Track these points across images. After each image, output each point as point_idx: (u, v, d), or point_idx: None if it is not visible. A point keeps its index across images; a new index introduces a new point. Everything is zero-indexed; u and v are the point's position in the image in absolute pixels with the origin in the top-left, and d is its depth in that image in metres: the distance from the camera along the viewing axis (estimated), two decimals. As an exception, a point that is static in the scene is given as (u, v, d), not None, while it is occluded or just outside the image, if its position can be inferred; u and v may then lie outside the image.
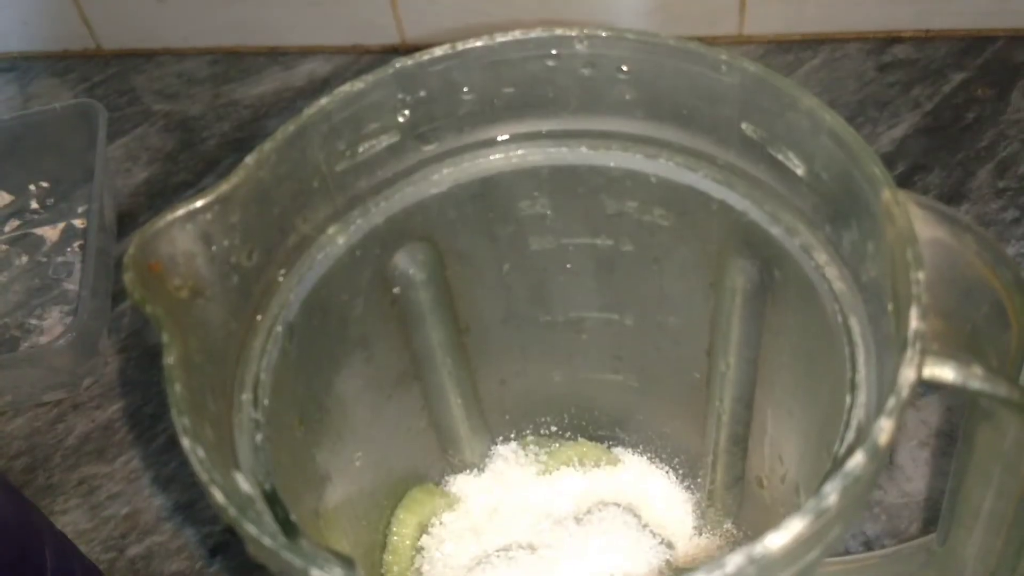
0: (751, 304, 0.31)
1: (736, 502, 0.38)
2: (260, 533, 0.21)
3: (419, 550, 0.38)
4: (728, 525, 0.39)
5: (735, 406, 0.35)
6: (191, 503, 0.44)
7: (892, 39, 0.59)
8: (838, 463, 0.21)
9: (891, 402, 0.20)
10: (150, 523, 0.44)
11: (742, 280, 0.31)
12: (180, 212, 0.25)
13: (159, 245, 0.25)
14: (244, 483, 0.24)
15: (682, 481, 0.41)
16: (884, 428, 0.20)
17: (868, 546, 0.39)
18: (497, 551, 0.37)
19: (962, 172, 0.52)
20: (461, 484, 0.41)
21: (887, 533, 0.40)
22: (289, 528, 0.24)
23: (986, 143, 0.53)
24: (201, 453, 0.22)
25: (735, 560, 0.19)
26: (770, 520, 0.31)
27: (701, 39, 0.60)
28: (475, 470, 0.41)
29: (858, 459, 0.20)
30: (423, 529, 0.39)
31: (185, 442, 0.22)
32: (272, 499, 0.24)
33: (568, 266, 0.35)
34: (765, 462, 0.35)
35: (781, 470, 0.34)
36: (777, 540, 0.19)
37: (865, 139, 0.56)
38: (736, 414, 0.35)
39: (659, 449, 0.41)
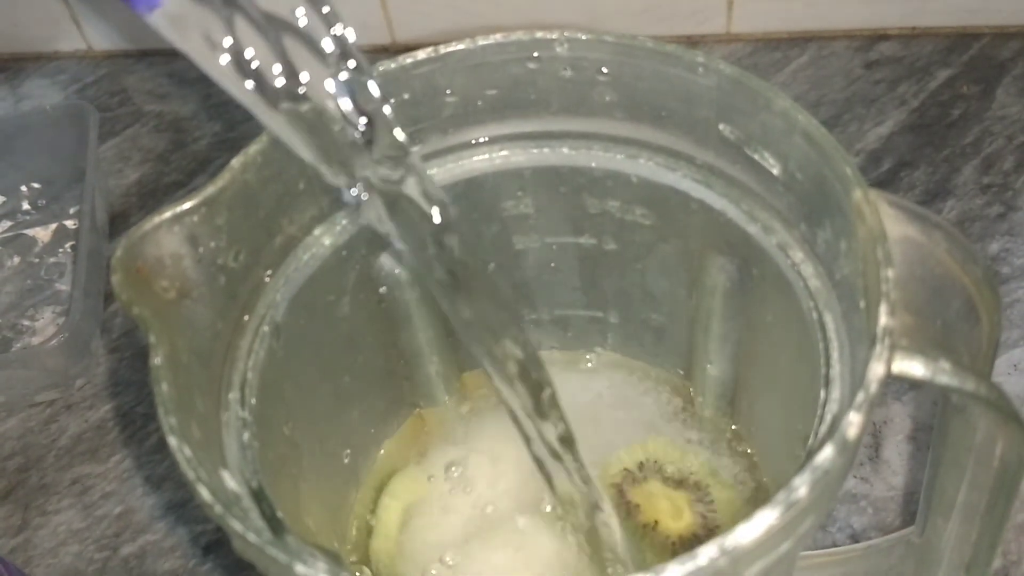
0: (731, 301, 0.32)
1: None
2: (245, 530, 0.21)
3: (404, 531, 0.39)
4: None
5: (718, 402, 0.35)
6: (184, 502, 0.44)
7: (879, 37, 0.59)
8: (809, 456, 0.22)
9: (860, 396, 0.21)
10: (143, 522, 0.44)
11: (722, 278, 0.31)
12: (167, 215, 0.26)
13: (146, 248, 0.25)
14: (231, 480, 0.24)
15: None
16: (853, 422, 0.21)
17: (855, 539, 0.40)
18: (483, 530, 0.38)
19: (947, 169, 0.52)
20: (446, 467, 0.41)
21: (873, 526, 0.40)
22: (276, 524, 0.24)
23: (971, 140, 0.54)
24: (188, 452, 0.22)
25: (707, 552, 0.20)
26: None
27: (689, 38, 0.61)
28: (460, 453, 0.41)
29: (827, 452, 0.20)
30: (409, 514, 0.39)
31: (172, 441, 0.23)
32: (259, 496, 0.25)
33: (552, 265, 0.35)
34: (747, 457, 0.36)
35: (764, 464, 0.35)
36: (749, 532, 0.20)
37: (852, 136, 0.56)
38: (719, 410, 0.36)
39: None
